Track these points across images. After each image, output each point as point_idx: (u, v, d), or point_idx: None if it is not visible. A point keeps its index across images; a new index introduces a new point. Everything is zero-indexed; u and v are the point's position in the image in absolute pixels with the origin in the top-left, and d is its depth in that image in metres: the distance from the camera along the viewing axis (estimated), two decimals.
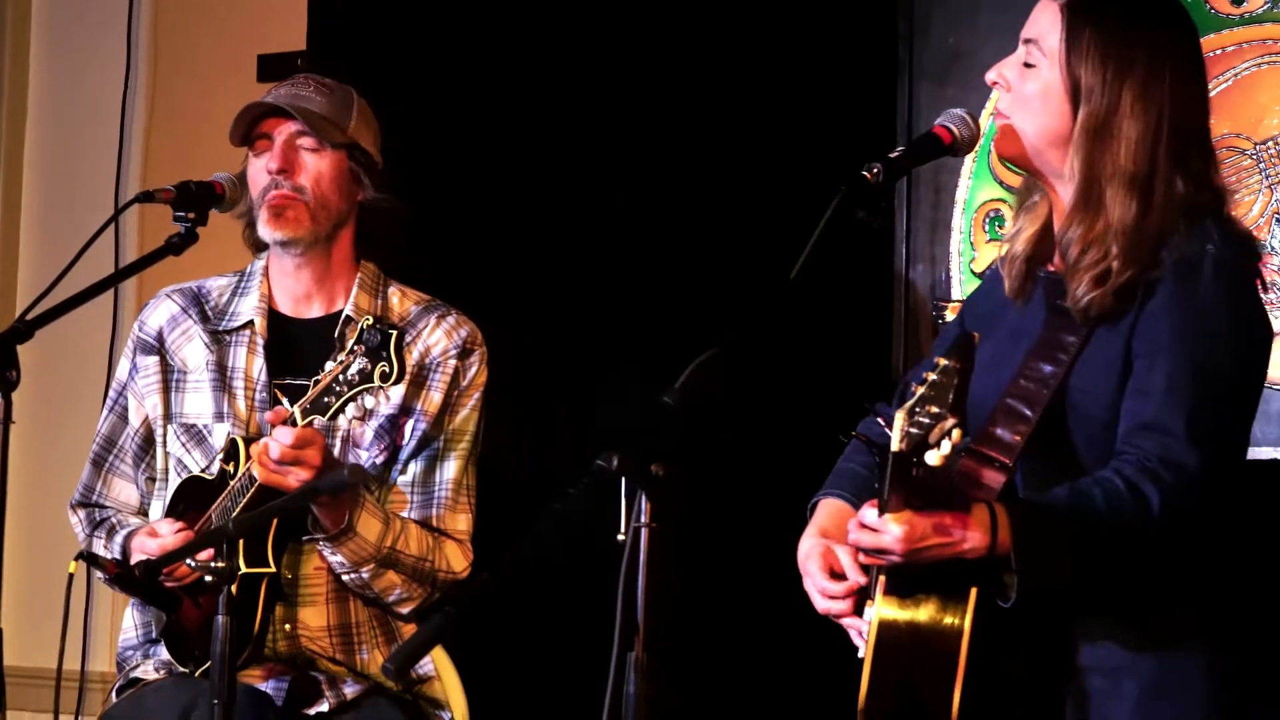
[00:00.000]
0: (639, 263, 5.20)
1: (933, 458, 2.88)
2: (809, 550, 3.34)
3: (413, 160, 4.31)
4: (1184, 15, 3.32)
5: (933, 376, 2.89)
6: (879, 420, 3.37)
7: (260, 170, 4.11)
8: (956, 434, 2.87)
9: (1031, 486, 3.16)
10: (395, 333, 3.71)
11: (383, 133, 4.23)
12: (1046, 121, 3.25)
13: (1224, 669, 3.19)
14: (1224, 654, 3.19)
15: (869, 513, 3.04)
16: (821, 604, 3.30)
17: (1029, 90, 3.26)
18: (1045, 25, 3.26)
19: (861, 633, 3.23)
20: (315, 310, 4.18)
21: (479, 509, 4.18)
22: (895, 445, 2.91)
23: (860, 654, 3.30)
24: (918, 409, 2.89)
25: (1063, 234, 3.23)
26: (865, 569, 3.25)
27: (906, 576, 3.09)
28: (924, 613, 3.10)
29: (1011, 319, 3.33)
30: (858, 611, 3.27)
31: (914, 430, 2.89)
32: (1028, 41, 3.27)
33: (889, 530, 3.00)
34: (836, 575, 3.29)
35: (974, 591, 3.07)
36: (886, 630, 3.11)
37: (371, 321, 3.73)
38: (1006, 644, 3.11)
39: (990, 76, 3.31)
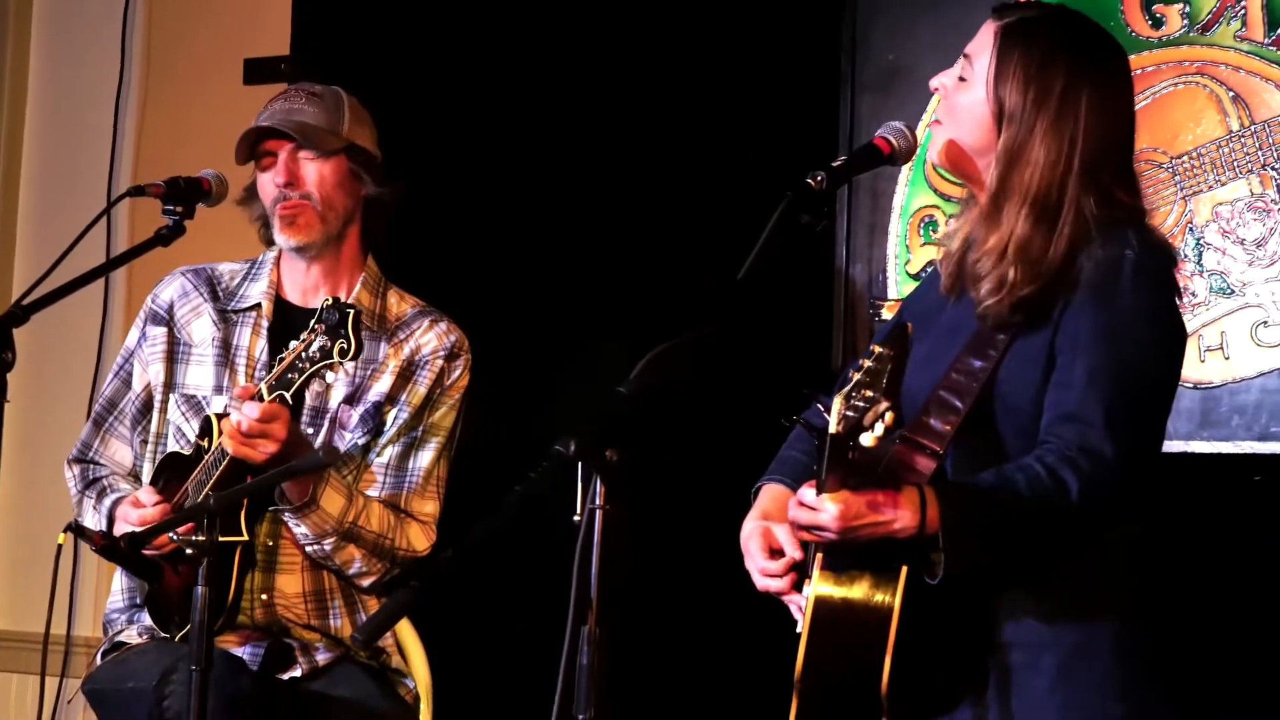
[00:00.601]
0: (598, 262, 5.20)
1: (867, 439, 2.90)
2: (750, 531, 3.35)
3: (394, 162, 4.30)
4: (1112, 43, 3.31)
5: (868, 363, 2.92)
6: (819, 406, 3.38)
7: (268, 183, 4.14)
8: (889, 417, 2.89)
9: (961, 473, 3.16)
10: (353, 311, 3.71)
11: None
12: (971, 133, 3.25)
13: (1133, 644, 3.19)
14: (1133, 630, 3.20)
15: (808, 492, 3.04)
16: (761, 581, 3.30)
17: (959, 102, 3.27)
18: (981, 44, 3.27)
19: (800, 608, 3.23)
20: (319, 300, 4.15)
21: (447, 497, 4.18)
22: (833, 428, 2.93)
23: (798, 629, 3.31)
24: (854, 394, 2.91)
25: (971, 240, 3.25)
26: (804, 546, 3.25)
27: (842, 554, 3.10)
28: (858, 589, 3.10)
29: (947, 316, 3.33)
30: (797, 588, 3.27)
31: (850, 414, 2.91)
32: (965, 56, 3.28)
33: (825, 509, 3.01)
34: (776, 554, 3.29)
35: (904, 570, 3.08)
36: (822, 606, 3.11)
37: (332, 301, 3.73)
38: (934, 620, 3.12)
39: (933, 83, 3.32)
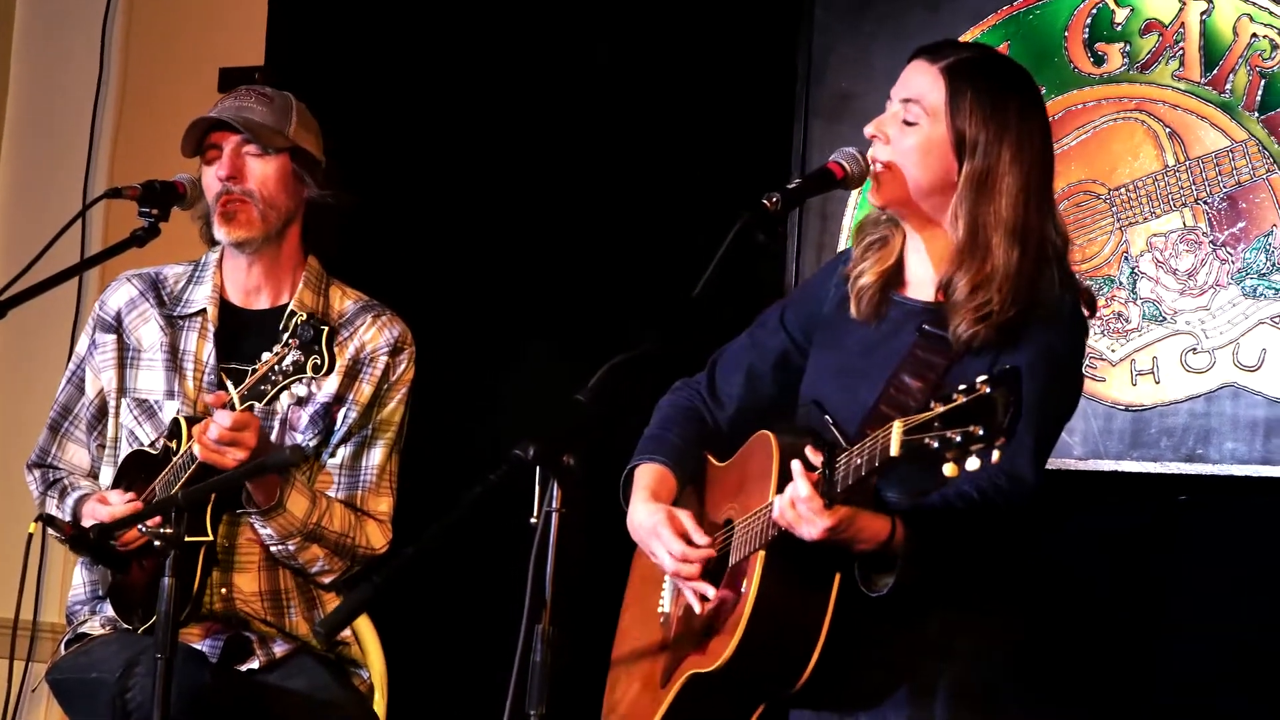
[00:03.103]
0: (560, 276, 5.20)
1: (949, 469, 2.86)
2: (655, 518, 3.36)
3: (365, 166, 4.29)
4: (1034, 83, 3.36)
5: (963, 400, 2.85)
6: (699, 392, 3.50)
7: (212, 178, 4.09)
8: (996, 455, 2.84)
9: (893, 486, 3.18)
10: (327, 328, 3.70)
11: (336, 141, 4.22)
12: (930, 170, 3.26)
13: (1031, 653, 3.27)
14: (1030, 640, 3.28)
15: (812, 500, 3.03)
16: (673, 565, 3.32)
17: (909, 144, 3.27)
18: (925, 85, 3.27)
19: (703, 595, 3.25)
20: (263, 302, 4.16)
21: (401, 494, 4.17)
22: (894, 451, 2.89)
23: (663, 608, 3.38)
24: (937, 424, 2.86)
25: (949, 275, 3.25)
26: (701, 522, 3.31)
27: (787, 551, 3.13)
28: (798, 587, 3.15)
29: (862, 334, 3.35)
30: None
31: (932, 444, 2.85)
32: (906, 101, 3.28)
33: (821, 520, 3.04)
34: (685, 538, 3.32)
35: (839, 576, 3.13)
36: (763, 600, 3.15)
37: (306, 317, 3.72)
38: (857, 620, 3.16)
39: (869, 131, 3.31)
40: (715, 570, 3.30)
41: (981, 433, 2.83)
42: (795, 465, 3.08)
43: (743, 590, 3.20)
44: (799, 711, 3.27)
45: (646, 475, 3.45)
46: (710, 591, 3.26)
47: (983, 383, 2.86)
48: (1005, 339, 3.20)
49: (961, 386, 2.86)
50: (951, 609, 3.22)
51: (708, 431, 3.50)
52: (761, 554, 3.17)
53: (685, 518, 3.34)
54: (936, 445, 2.86)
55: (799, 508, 3.06)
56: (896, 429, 2.90)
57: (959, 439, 2.84)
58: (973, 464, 2.84)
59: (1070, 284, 3.27)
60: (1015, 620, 3.27)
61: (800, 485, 3.06)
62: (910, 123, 3.27)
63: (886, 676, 3.23)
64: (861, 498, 3.08)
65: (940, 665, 3.22)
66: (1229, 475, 4.48)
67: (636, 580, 3.62)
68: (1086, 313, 3.30)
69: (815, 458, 3.08)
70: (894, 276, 3.36)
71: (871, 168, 3.28)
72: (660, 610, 3.46)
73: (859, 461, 2.99)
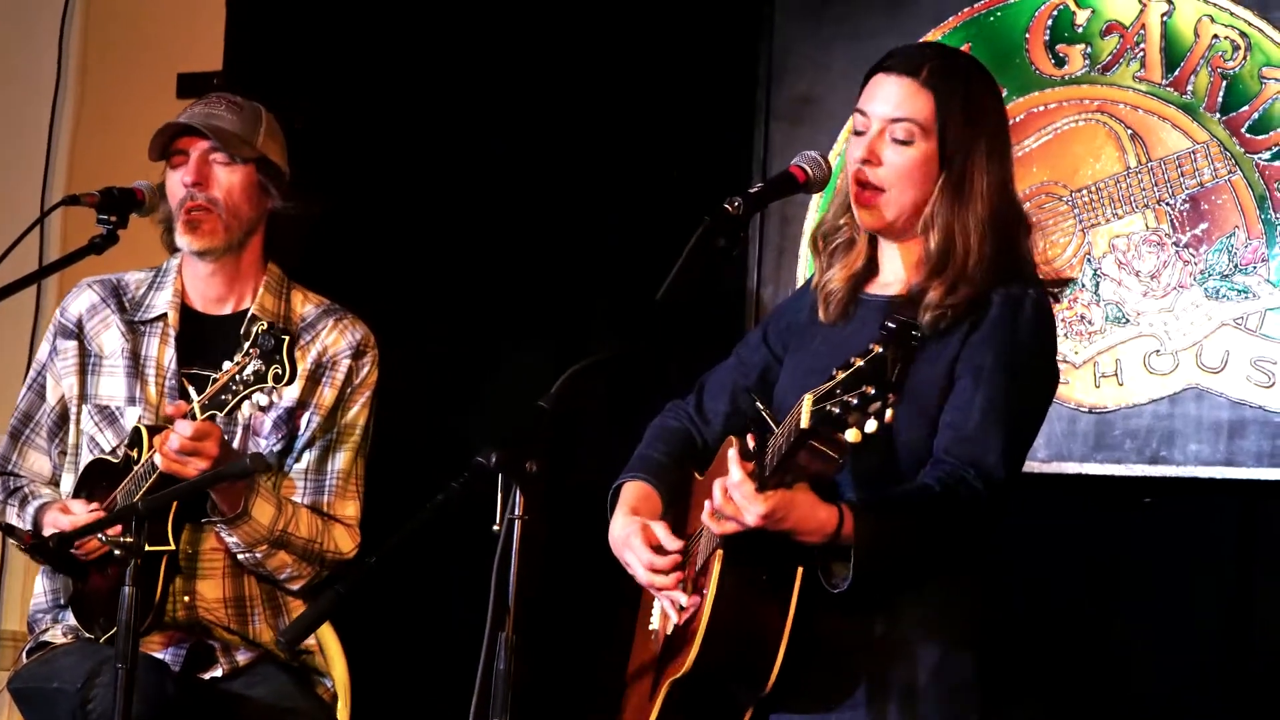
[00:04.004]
0: (524, 281, 5.18)
1: (851, 434, 2.86)
2: (627, 528, 3.36)
3: (327, 171, 4.27)
4: (988, 70, 3.37)
5: (860, 363, 2.86)
6: (688, 412, 3.50)
7: (177, 183, 4.07)
8: (889, 414, 2.85)
9: (858, 480, 3.19)
10: (288, 337, 3.68)
11: (296, 146, 4.20)
12: (923, 188, 3.26)
13: (990, 654, 3.27)
14: (993, 642, 3.27)
15: (745, 485, 3.02)
16: (646, 576, 3.30)
17: (906, 164, 3.26)
18: (913, 103, 3.25)
19: (678, 604, 3.25)
20: (225, 308, 4.15)
21: (369, 499, 4.15)
22: (804, 423, 2.89)
23: (652, 626, 3.36)
24: (839, 390, 2.86)
25: (920, 284, 3.25)
26: (683, 537, 3.30)
27: (743, 550, 3.12)
28: (756, 587, 3.14)
29: (829, 333, 3.36)
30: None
31: (834, 410, 2.85)
32: (895, 120, 3.26)
33: (755, 505, 3.02)
34: (658, 550, 3.30)
35: (800, 570, 3.12)
36: (721, 600, 3.13)
37: (267, 326, 3.69)
38: (818, 620, 3.15)
39: (858, 154, 3.28)
40: (696, 580, 3.29)
41: (873, 392, 2.83)
42: (730, 453, 3.07)
43: (704, 592, 3.18)
44: (779, 715, 3.23)
45: (629, 492, 3.44)
46: (684, 599, 3.25)
47: (875, 342, 2.87)
48: (962, 331, 3.21)
49: (870, 348, 2.87)
50: (919, 606, 3.20)
51: (695, 449, 3.50)
52: (719, 553, 3.16)
53: (659, 528, 3.32)
54: (838, 411, 2.85)
55: (733, 494, 3.04)
56: (806, 400, 2.90)
57: (855, 401, 2.84)
58: (870, 425, 2.84)
59: (1031, 274, 3.27)
60: (982, 619, 3.27)
61: (733, 470, 3.05)
62: (904, 141, 3.26)
63: (860, 676, 3.21)
64: (801, 485, 3.05)
65: (914, 664, 3.20)
66: (1193, 477, 4.48)
67: (644, 601, 3.61)
68: (1053, 302, 3.30)
69: (752, 444, 3.07)
70: (862, 275, 3.36)
71: (857, 190, 3.28)
72: (651, 627, 3.45)
73: (780, 441, 2.99)
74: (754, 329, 3.59)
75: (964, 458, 3.15)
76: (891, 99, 3.26)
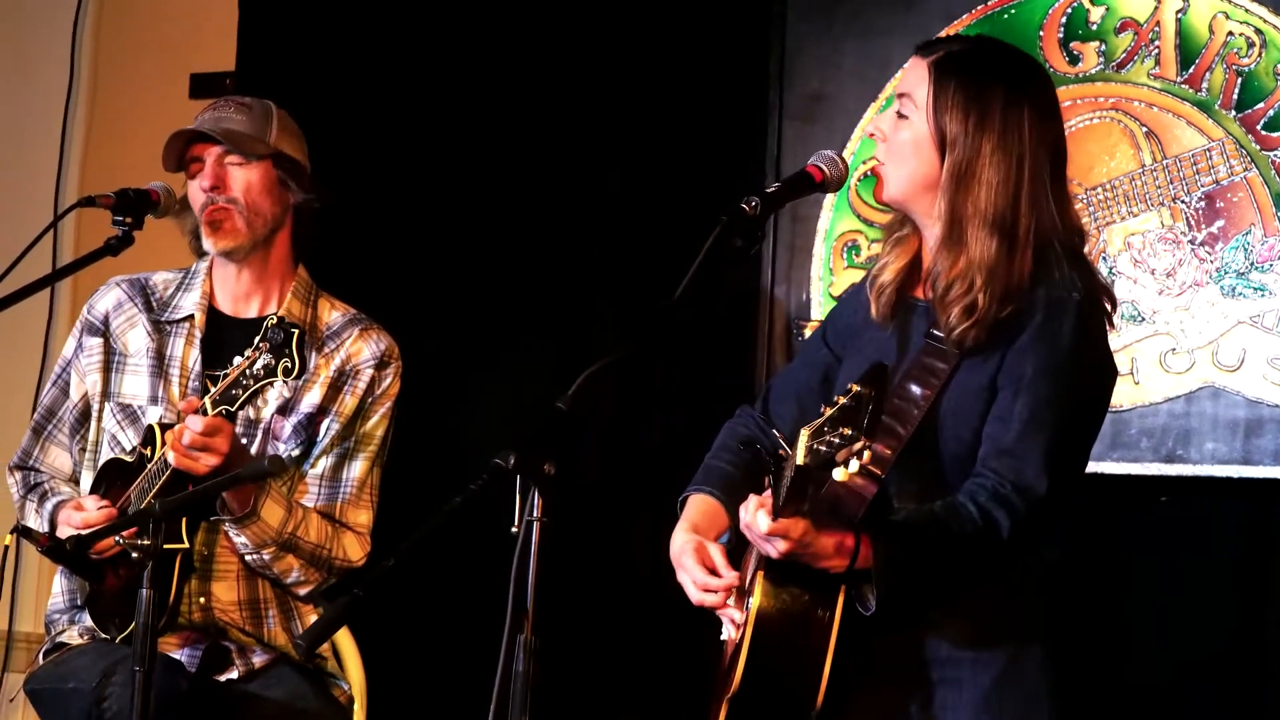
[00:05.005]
0: (538, 283, 5.18)
1: (839, 474, 2.87)
2: (683, 545, 3.32)
3: (337, 173, 4.27)
4: (1039, 69, 3.33)
5: (844, 400, 2.86)
6: (754, 417, 3.43)
7: (197, 190, 4.08)
8: (867, 455, 2.85)
9: (902, 494, 3.17)
10: (297, 331, 3.67)
11: (310, 147, 4.19)
12: (917, 167, 3.24)
13: (1056, 665, 3.22)
14: (1054, 651, 3.23)
15: (762, 519, 3.02)
16: (697, 595, 3.28)
17: (901, 139, 3.25)
18: (915, 80, 3.26)
19: (734, 621, 3.22)
20: (251, 310, 4.15)
21: (382, 504, 4.14)
22: (800, 460, 2.88)
23: (723, 637, 3.30)
24: (826, 429, 2.86)
25: (931, 269, 3.23)
26: (737, 564, 3.25)
27: (785, 568, 3.09)
28: (798, 606, 3.11)
29: (877, 340, 3.32)
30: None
31: (821, 448, 2.86)
32: (901, 96, 3.27)
33: (775, 542, 3.02)
34: (711, 570, 3.27)
35: (843, 589, 3.09)
36: (764, 620, 3.11)
37: (277, 320, 3.69)
38: (867, 639, 3.12)
39: (868, 130, 3.31)
40: (746, 598, 3.27)
41: (850, 433, 2.83)
42: (752, 500, 3.07)
43: (747, 610, 3.17)
44: None
45: (691, 506, 3.41)
46: (739, 615, 3.22)
47: (856, 382, 2.86)
48: (1005, 341, 3.16)
49: (849, 388, 2.86)
50: (967, 617, 3.17)
51: (764, 455, 3.44)
52: (760, 574, 3.13)
53: (714, 550, 3.28)
54: (826, 450, 2.85)
55: (750, 530, 3.06)
56: (803, 436, 2.89)
57: (838, 441, 2.83)
58: (853, 466, 2.84)
59: (1083, 279, 3.20)
60: (1043, 615, 3.23)
61: (748, 505, 3.06)
62: (903, 116, 3.25)
63: (920, 691, 3.17)
64: (819, 507, 3.03)
65: (975, 671, 3.17)
66: (1209, 476, 4.47)
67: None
68: (1108, 307, 3.24)
69: (768, 481, 3.08)
70: (911, 274, 3.33)
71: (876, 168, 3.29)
72: (722, 638, 3.42)
73: (787, 474, 2.97)
74: (815, 329, 3.55)
75: (1002, 471, 3.11)
76: (906, 77, 3.29)
